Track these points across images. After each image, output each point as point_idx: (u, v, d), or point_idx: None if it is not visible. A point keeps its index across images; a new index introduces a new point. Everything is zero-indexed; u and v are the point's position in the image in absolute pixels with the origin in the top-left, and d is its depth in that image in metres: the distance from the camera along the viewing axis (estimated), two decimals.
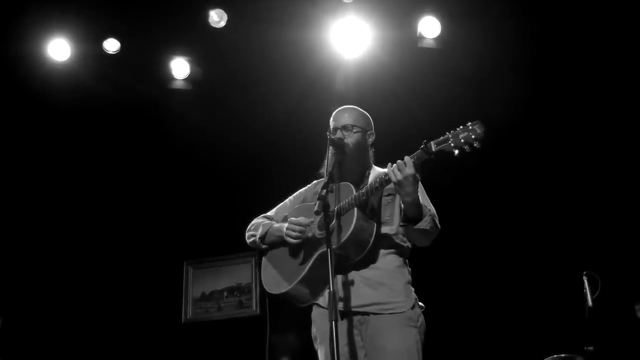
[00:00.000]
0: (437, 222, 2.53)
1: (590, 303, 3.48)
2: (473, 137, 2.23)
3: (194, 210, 5.31)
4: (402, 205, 2.49)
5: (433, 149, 2.32)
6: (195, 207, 5.32)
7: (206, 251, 5.39)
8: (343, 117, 2.74)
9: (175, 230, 5.31)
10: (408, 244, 2.65)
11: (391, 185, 2.44)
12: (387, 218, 2.60)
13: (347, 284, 2.51)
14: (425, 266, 2.97)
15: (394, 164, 2.37)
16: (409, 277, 2.62)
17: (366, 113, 2.82)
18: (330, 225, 2.47)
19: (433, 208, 2.57)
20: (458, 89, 4.72)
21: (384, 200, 2.62)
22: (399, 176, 2.34)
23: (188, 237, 5.33)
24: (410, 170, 2.33)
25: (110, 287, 5.24)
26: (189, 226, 5.30)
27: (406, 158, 2.36)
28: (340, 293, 2.48)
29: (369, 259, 2.52)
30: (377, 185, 2.46)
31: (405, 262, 2.65)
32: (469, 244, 4.66)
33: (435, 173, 2.61)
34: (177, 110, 5.05)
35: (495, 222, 4.70)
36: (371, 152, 2.80)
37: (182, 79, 4.99)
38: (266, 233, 2.76)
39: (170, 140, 5.17)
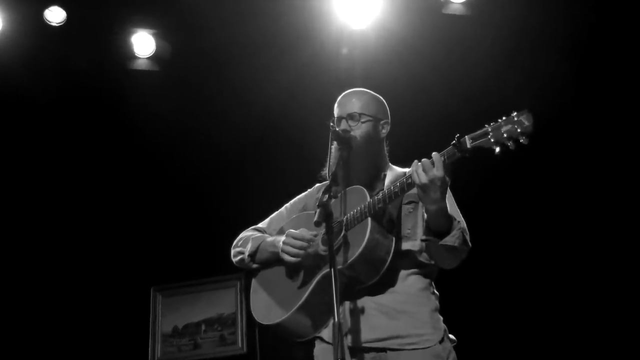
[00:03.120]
0: (468, 238, 2.53)
1: None
2: (519, 130, 2.20)
3: (163, 225, 5.32)
4: (425, 215, 2.48)
5: (468, 145, 2.29)
6: (164, 221, 5.33)
7: (179, 274, 5.39)
8: (349, 103, 2.75)
9: (140, 249, 5.31)
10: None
11: (414, 191, 2.42)
12: (409, 231, 2.60)
13: (358, 313, 2.51)
14: (457, 289, 2.97)
15: (419, 163, 2.35)
16: (436, 303, 2.62)
17: (379, 97, 2.83)
18: (337, 240, 2.48)
19: (464, 221, 2.57)
20: (491, 67, 4.73)
21: (405, 209, 2.62)
22: (424, 178, 2.33)
23: (156, 257, 5.32)
24: (439, 172, 2.31)
25: (57, 319, 5.22)
26: (157, 244, 5.30)
27: (435, 156, 2.34)
28: (349, 324, 2.48)
29: (386, 281, 2.52)
30: (396, 190, 2.45)
31: (431, 285, 2.66)
32: (509, 263, 4.68)
33: (462, 174, 2.60)
34: (139, 96, 5.05)
35: (538, 234, 4.72)
36: (386, 148, 2.81)
37: (146, 58, 5.00)
38: (257, 249, 2.78)
39: (132, 134, 5.18)
